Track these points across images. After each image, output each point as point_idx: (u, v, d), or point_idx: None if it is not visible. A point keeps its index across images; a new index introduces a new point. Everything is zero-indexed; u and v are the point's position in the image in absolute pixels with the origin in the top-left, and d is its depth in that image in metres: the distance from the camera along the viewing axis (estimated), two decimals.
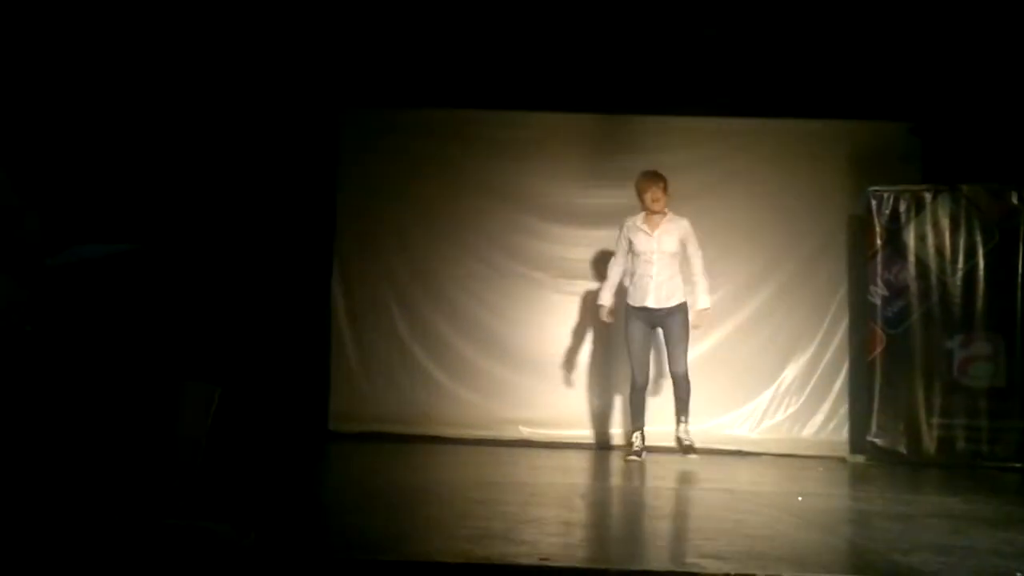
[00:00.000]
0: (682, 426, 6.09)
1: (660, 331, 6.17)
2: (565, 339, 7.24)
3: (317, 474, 5.47)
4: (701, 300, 6.11)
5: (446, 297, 7.32)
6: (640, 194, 6.09)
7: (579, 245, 7.25)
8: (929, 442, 6.56)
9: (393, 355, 7.27)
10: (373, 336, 7.29)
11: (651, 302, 6.04)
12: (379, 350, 7.29)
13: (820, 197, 7.20)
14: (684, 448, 6.05)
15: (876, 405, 6.66)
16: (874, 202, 6.75)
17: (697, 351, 6.90)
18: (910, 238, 6.69)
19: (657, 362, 6.48)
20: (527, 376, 7.22)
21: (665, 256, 6.05)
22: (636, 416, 6.21)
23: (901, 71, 7.08)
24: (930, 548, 3.04)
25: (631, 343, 6.15)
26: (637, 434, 6.17)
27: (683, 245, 6.09)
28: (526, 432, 7.11)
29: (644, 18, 6.85)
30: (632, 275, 6.13)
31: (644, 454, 6.11)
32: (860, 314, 6.95)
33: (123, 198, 6.31)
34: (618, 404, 7.12)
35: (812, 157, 7.24)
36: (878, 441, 6.64)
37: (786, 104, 7.17)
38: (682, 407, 6.11)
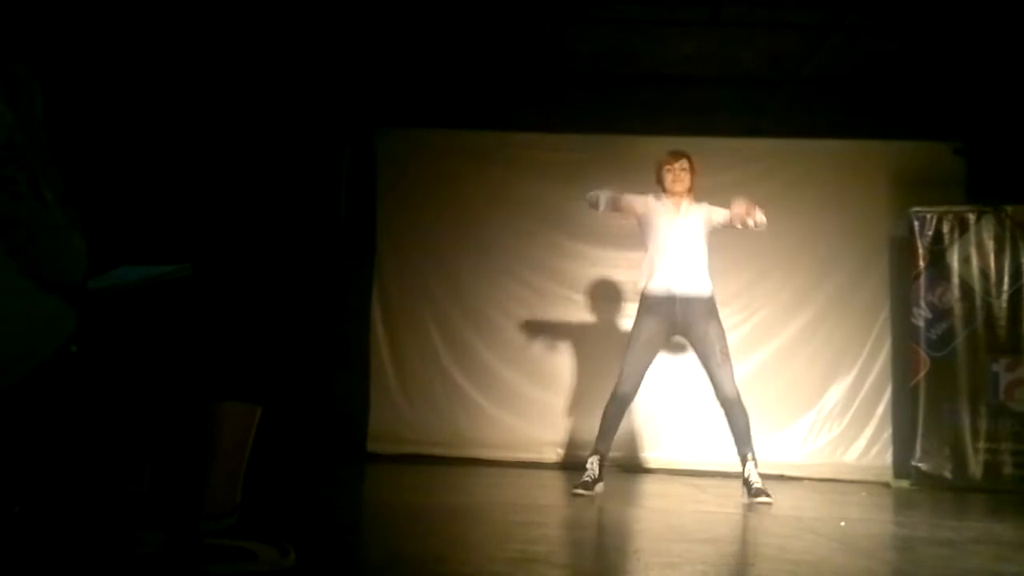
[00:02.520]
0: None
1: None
2: (605, 362, 7.19)
3: (356, 495, 5.48)
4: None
5: (485, 319, 7.32)
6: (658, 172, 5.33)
7: (620, 267, 7.20)
8: (975, 467, 6.46)
9: (432, 377, 7.29)
10: (412, 357, 7.31)
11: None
12: (418, 371, 7.30)
13: (861, 218, 7.15)
14: (753, 492, 4.94)
15: (920, 429, 6.57)
16: (916, 223, 6.69)
17: (738, 373, 6.84)
18: (953, 259, 6.62)
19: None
20: (566, 399, 7.20)
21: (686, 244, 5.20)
22: (604, 435, 5.16)
23: (946, 91, 7.03)
24: (976, 575, 2.99)
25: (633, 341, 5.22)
26: (595, 459, 5.11)
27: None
28: (563, 455, 7.09)
29: (682, 40, 6.86)
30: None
31: (599, 487, 5.06)
32: (903, 337, 6.87)
33: (164, 220, 6.40)
34: (657, 426, 7.06)
35: (853, 177, 7.19)
36: (922, 466, 6.54)
37: (828, 124, 7.14)
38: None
